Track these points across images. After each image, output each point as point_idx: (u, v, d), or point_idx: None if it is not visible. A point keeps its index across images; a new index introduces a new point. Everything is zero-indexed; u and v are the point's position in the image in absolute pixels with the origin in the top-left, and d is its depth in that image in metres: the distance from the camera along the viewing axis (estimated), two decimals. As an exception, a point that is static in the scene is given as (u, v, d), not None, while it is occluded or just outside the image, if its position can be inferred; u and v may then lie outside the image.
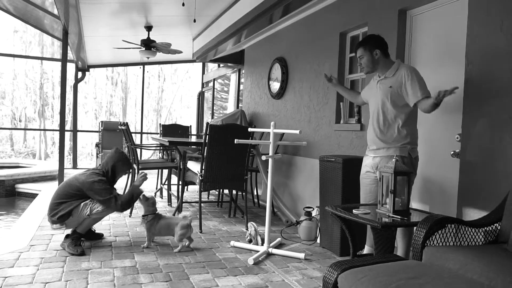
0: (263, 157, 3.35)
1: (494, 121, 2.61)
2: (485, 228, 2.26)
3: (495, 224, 2.24)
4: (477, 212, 2.66)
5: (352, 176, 3.33)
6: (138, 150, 9.55)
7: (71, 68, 9.25)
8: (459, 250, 1.96)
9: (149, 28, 6.43)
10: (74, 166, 9.23)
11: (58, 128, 6.07)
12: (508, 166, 2.47)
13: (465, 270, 1.80)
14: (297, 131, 3.22)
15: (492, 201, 2.50)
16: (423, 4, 3.30)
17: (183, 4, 3.91)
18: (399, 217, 2.37)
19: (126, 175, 5.42)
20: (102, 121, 8.82)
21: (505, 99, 2.54)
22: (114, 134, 8.33)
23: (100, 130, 8.70)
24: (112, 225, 4.17)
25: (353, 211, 2.47)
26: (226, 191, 5.73)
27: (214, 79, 9.31)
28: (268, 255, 3.37)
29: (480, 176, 2.69)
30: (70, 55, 8.17)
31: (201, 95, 10.15)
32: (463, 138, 2.83)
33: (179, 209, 4.55)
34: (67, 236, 3.30)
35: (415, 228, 2.16)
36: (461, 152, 2.83)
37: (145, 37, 6.61)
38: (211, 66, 9.70)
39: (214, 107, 9.37)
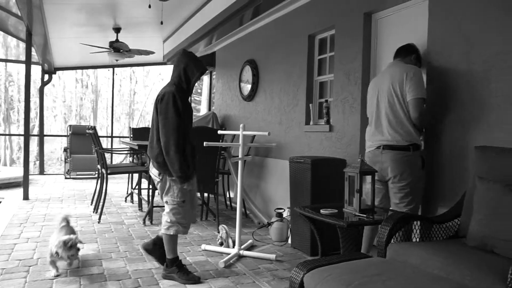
0: (232, 160, 3.34)
1: (454, 121, 2.71)
2: (446, 223, 2.33)
3: (455, 220, 2.32)
4: (440, 208, 2.75)
5: (321, 177, 3.38)
6: (109, 155, 9.35)
7: (37, 70, 8.98)
8: (420, 245, 2.02)
9: (117, 29, 6.31)
10: (41, 172, 8.93)
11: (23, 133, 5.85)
12: (466, 164, 2.57)
13: (426, 265, 1.86)
14: (266, 133, 3.23)
15: (454, 198, 2.59)
16: (386, 8, 3.38)
17: (149, 6, 3.85)
18: (365, 215, 2.42)
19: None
20: (70, 125, 8.58)
21: (463, 99, 2.64)
22: (84, 138, 8.11)
23: (68, 134, 8.45)
24: (80, 231, 4.05)
25: (321, 211, 2.50)
26: (197, 194, 5.69)
27: (186, 82, 9.22)
28: (240, 257, 3.36)
29: (442, 174, 2.79)
30: (36, 57, 7.92)
31: (173, 98, 10.03)
32: (426, 137, 2.92)
33: (149, 213, 4.48)
34: (167, 265, 2.86)
35: (379, 226, 2.21)
36: (425, 151, 2.93)
37: (114, 39, 6.48)
38: (183, 69, 9.60)
39: (187, 110, 9.28)
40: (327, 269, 1.82)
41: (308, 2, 4.32)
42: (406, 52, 2.88)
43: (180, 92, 2.73)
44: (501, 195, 1.91)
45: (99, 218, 4.50)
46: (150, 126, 2.89)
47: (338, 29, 3.87)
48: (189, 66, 2.78)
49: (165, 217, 2.80)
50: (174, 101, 2.66)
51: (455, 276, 1.70)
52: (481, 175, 2.15)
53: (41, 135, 8.96)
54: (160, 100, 2.69)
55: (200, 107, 8.92)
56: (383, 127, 2.79)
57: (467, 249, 1.97)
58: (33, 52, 7.33)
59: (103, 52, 6.61)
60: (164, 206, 2.87)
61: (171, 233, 2.78)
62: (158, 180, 2.78)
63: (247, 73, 5.68)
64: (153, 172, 2.81)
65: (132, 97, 19.70)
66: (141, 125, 18.37)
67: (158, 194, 2.96)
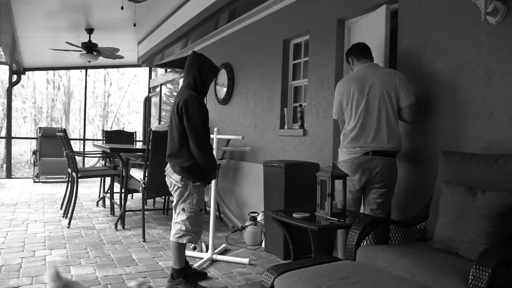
0: (206, 163, 3.32)
1: (423, 126, 2.79)
2: (414, 227, 2.39)
3: (422, 223, 2.38)
4: (409, 212, 2.82)
5: (294, 181, 3.40)
6: (81, 158, 9.12)
7: (5, 70, 8.68)
8: (388, 248, 2.06)
9: (90, 30, 6.18)
10: (8, 175, 8.61)
11: (-12, 135, 5.62)
12: (434, 169, 2.64)
13: (393, 267, 1.90)
14: (240, 137, 3.24)
15: (422, 201, 2.66)
16: (358, 15, 3.46)
17: (122, 8, 3.79)
18: (336, 219, 2.45)
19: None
20: (40, 127, 8.32)
21: (432, 105, 2.73)
22: (54, 140, 7.88)
23: (38, 137, 8.20)
24: (48, 237, 3.93)
25: (293, 215, 2.52)
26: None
27: (161, 84, 9.14)
28: (213, 261, 3.34)
29: (412, 178, 2.86)
30: (4, 56, 7.65)
31: (147, 100, 9.92)
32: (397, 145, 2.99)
33: (121, 218, 4.39)
34: (172, 277, 2.74)
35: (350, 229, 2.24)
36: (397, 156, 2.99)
37: (87, 39, 6.34)
38: (160, 71, 9.52)
39: (164, 113, 9.18)
40: (297, 273, 1.83)
41: (283, 7, 4.37)
42: (371, 53, 2.85)
43: (199, 95, 2.71)
44: (464, 199, 1.97)
45: (69, 223, 4.38)
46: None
47: (312, 35, 3.93)
48: (203, 69, 2.72)
49: (179, 225, 2.71)
50: (199, 105, 2.63)
51: (420, 278, 1.75)
52: (446, 179, 2.22)
53: (9, 137, 8.65)
54: (185, 106, 2.60)
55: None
56: (374, 132, 2.66)
57: (433, 252, 2.02)
58: (1, 52, 7.09)
59: (75, 51, 6.44)
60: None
61: (184, 241, 2.70)
62: (180, 185, 2.70)
63: (223, 76, 5.67)
64: (174, 177, 2.71)
65: (106, 99, 19.31)
66: (115, 128, 18.03)
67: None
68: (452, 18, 2.59)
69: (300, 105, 4.11)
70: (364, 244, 2.22)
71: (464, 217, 1.94)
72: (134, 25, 4.35)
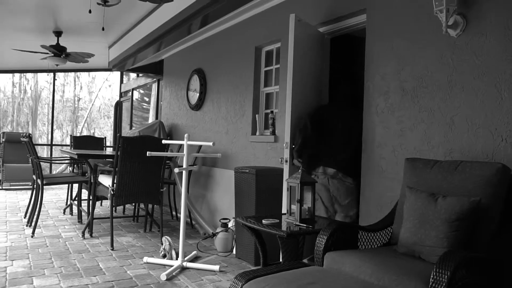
0: (176, 170, 3.29)
1: (389, 135, 2.87)
2: (380, 232, 2.45)
3: (388, 228, 2.44)
4: (376, 217, 2.88)
5: (265, 187, 3.42)
6: (48, 164, 8.82)
7: (-33, 73, 8.31)
8: (355, 253, 2.10)
9: (58, 33, 6.02)
10: (-30, 182, 8.21)
11: None
12: (400, 175, 2.72)
13: (359, 272, 1.93)
14: (211, 143, 3.22)
15: (389, 207, 2.73)
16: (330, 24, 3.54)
17: (90, 11, 3.72)
18: (305, 225, 2.47)
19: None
20: (3, 132, 8.01)
21: (397, 114, 2.81)
22: (19, 146, 7.59)
23: (1, 142, 7.88)
24: (10, 247, 3.77)
25: (262, 221, 2.52)
26: (142, 205, 5.52)
27: (132, 89, 8.99)
28: (183, 269, 3.30)
29: (378, 185, 2.93)
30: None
31: (118, 105, 9.73)
32: (364, 149, 3.06)
33: (89, 225, 4.27)
34: None
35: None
36: (363, 162, 3.06)
37: (55, 42, 6.17)
38: (132, 75, 9.36)
39: (136, 118, 9.02)
40: (264, 279, 1.83)
41: (255, 15, 4.41)
42: None
43: None
44: (426, 204, 2.04)
45: (33, 232, 4.22)
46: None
47: (284, 42, 3.97)
48: None
49: None
50: None
51: (384, 281, 1.79)
52: (410, 185, 2.29)
53: (-30, 143, 8.26)
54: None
55: (148, 115, 8.70)
56: None
57: (397, 256, 2.07)
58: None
59: (45, 57, 6.25)
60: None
61: None
62: None
63: (195, 82, 5.65)
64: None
65: (77, 103, 18.80)
66: (85, 133, 17.55)
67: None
68: (417, 30, 2.69)
69: (272, 112, 4.14)
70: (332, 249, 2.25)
71: (426, 222, 2.00)
72: (103, 29, 4.27)
